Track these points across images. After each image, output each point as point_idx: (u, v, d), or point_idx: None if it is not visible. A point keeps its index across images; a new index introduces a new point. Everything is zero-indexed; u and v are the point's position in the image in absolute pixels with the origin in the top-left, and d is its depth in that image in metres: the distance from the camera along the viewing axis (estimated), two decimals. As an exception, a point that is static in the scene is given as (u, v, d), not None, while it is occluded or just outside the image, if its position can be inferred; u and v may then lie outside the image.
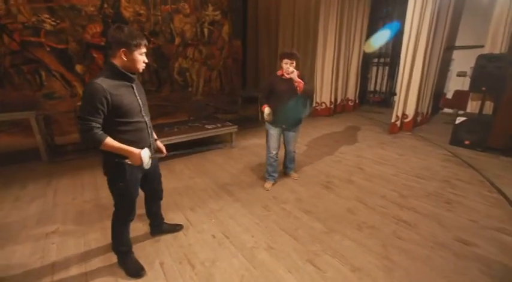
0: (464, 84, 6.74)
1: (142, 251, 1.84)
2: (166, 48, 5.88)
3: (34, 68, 4.65)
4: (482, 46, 5.26)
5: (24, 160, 3.52)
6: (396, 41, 7.42)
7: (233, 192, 2.73)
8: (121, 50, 1.32)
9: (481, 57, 3.89)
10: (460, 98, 6.75)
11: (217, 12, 6.37)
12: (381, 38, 6.15)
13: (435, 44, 4.98)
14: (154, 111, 5.81)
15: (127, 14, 5.22)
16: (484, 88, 3.86)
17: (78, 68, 5.05)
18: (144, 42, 1.39)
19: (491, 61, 3.79)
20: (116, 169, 1.45)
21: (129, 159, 1.42)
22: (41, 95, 4.74)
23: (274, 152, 2.70)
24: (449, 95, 6.92)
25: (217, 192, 2.72)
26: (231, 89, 6.98)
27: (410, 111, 4.94)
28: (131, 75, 1.41)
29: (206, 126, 3.87)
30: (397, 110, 4.83)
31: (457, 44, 6.49)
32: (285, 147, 2.86)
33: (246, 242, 1.97)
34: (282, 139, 2.78)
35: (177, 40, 5.97)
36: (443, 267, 1.73)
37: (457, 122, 4.18)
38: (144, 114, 1.50)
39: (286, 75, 2.43)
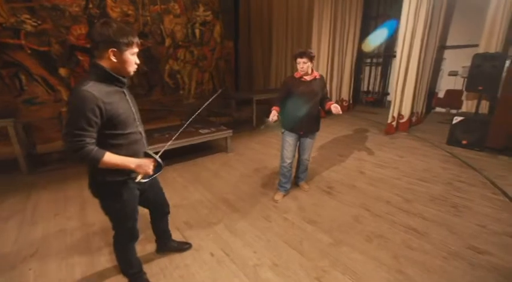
0: (456, 83, 6.81)
1: (133, 274, 1.65)
2: (156, 50, 5.67)
3: (13, 72, 4.35)
4: (476, 45, 5.31)
5: (2, 171, 3.25)
6: (388, 41, 7.45)
7: (231, 202, 2.57)
8: (110, 50, 1.12)
9: (477, 56, 3.86)
10: (452, 97, 6.82)
11: (209, 13, 6.20)
12: (379, 37, 6.07)
13: (429, 44, 4.96)
14: (144, 115, 5.61)
15: (114, 14, 4.99)
16: (481, 87, 3.83)
17: (62, 71, 4.78)
18: (136, 40, 1.20)
19: (487, 60, 3.76)
20: (109, 189, 1.27)
21: (136, 174, 1.23)
22: (21, 101, 4.45)
23: (288, 162, 2.47)
24: (440, 94, 6.98)
25: (213, 203, 2.55)
26: (224, 91, 6.81)
27: (406, 112, 4.90)
28: (123, 79, 1.22)
29: (200, 130, 3.68)
30: (393, 111, 4.77)
31: (448, 43, 6.52)
32: (299, 155, 2.64)
33: (248, 259, 1.81)
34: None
35: (168, 41, 5.77)
36: (459, 280, 1.62)
37: (454, 121, 4.14)
38: (138, 123, 1.33)
39: (302, 75, 2.30)
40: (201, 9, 6.10)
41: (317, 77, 2.35)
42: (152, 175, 1.28)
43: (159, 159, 1.27)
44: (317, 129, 2.49)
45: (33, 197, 2.69)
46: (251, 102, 5.31)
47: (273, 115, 2.26)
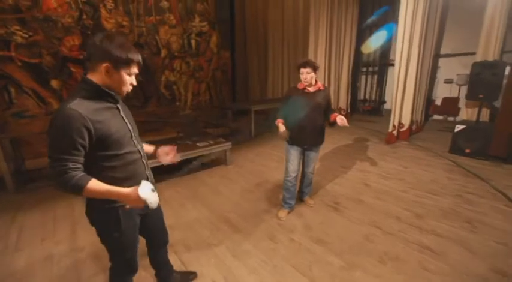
0: (451, 91, 6.85)
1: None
2: (152, 61, 5.57)
3: (2, 85, 4.19)
4: (470, 53, 5.36)
5: (-14, 191, 3.05)
6: (384, 49, 7.53)
7: (232, 221, 2.41)
8: (104, 64, 1.00)
9: (476, 65, 3.84)
10: (449, 105, 6.85)
11: (205, 23, 6.17)
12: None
13: (426, 52, 4.98)
14: (140, 127, 5.49)
15: (108, 25, 4.91)
16: (481, 95, 3.80)
17: (54, 83, 4.63)
18: (138, 59, 1.07)
19: (486, 68, 3.74)
20: (107, 217, 1.13)
21: (127, 204, 1.07)
22: (10, 114, 4.27)
23: (293, 175, 2.35)
24: (437, 102, 7.00)
25: (213, 223, 2.39)
26: (221, 101, 6.72)
27: (406, 120, 4.85)
28: (116, 94, 1.10)
29: (197, 143, 3.55)
30: (394, 119, 4.72)
31: (442, 52, 6.60)
32: (303, 168, 2.52)
33: (253, 288, 1.65)
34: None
35: (163, 52, 5.69)
36: (486, 308, 1.49)
37: (456, 130, 4.08)
38: (136, 142, 1.19)
39: (306, 86, 2.22)
40: (197, 19, 6.07)
41: (321, 88, 2.26)
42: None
43: (152, 201, 1.04)
44: (321, 142, 2.40)
45: (19, 219, 2.49)
46: (248, 112, 5.22)
47: (282, 128, 2.19)
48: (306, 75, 2.13)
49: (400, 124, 4.84)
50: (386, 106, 8.03)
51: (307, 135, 2.28)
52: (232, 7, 6.51)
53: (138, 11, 5.16)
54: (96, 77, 1.03)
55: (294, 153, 2.32)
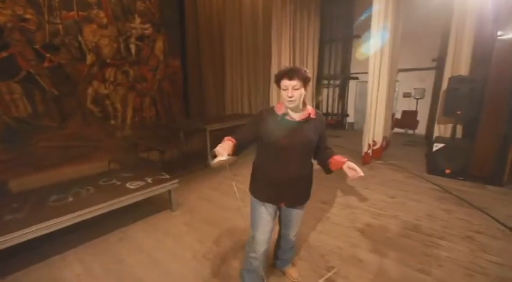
0: (410, 104, 6.94)
1: None
2: (73, 68, 4.28)
3: None
4: (431, 68, 5.34)
5: None
6: (344, 63, 7.45)
7: None
8: None
9: (453, 79, 3.58)
10: (408, 118, 6.89)
11: (147, 25, 5.12)
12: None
13: (393, 66, 4.74)
14: (55, 156, 4.08)
15: (1, 18, 3.55)
16: (459, 112, 3.52)
17: None
18: None
19: (463, 83, 3.49)
20: None
21: None
22: None
23: (262, 249, 1.45)
24: (397, 115, 7.04)
25: None
26: (171, 119, 5.62)
27: (378, 138, 4.46)
28: None
29: (128, 184, 2.47)
30: (368, 138, 4.27)
31: (399, 66, 6.66)
32: (281, 229, 1.68)
33: None
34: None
35: (90, 58, 4.45)
36: None
37: (434, 148, 3.75)
38: None
39: (290, 112, 1.37)
40: (138, 20, 5.00)
41: (311, 116, 1.40)
42: None
43: None
44: (307, 198, 1.54)
45: None
46: (204, 132, 4.28)
47: (221, 152, 1.19)
48: (293, 91, 1.29)
49: (373, 142, 4.43)
50: (349, 119, 7.88)
51: (287, 190, 1.42)
52: (182, 8, 5.59)
53: (51, 2, 3.90)
54: None
55: (265, 214, 1.43)
